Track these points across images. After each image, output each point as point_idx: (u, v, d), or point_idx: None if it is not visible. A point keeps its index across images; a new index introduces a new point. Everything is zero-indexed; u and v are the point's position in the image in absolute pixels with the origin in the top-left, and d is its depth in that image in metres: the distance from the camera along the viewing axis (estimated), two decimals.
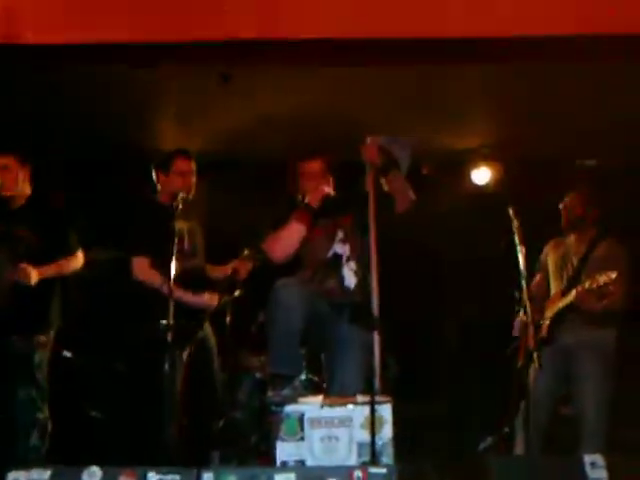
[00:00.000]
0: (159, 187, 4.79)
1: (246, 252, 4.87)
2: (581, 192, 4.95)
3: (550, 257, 4.97)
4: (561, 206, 4.97)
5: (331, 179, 4.36)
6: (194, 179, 4.76)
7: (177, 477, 3.17)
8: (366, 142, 4.10)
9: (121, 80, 5.30)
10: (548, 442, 4.51)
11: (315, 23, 4.27)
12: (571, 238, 4.92)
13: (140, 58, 4.70)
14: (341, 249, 4.21)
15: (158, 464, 3.31)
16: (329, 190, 4.25)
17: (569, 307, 4.61)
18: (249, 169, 6.64)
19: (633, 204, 6.05)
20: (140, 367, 4.64)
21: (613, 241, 4.80)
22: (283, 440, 3.44)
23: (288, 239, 4.12)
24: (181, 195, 4.56)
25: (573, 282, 4.70)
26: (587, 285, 4.50)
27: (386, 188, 4.10)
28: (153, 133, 6.36)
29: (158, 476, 3.17)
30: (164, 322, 5.15)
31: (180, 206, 4.45)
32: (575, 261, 4.81)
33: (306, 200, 4.17)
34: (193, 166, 4.79)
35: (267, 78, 5.29)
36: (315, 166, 4.32)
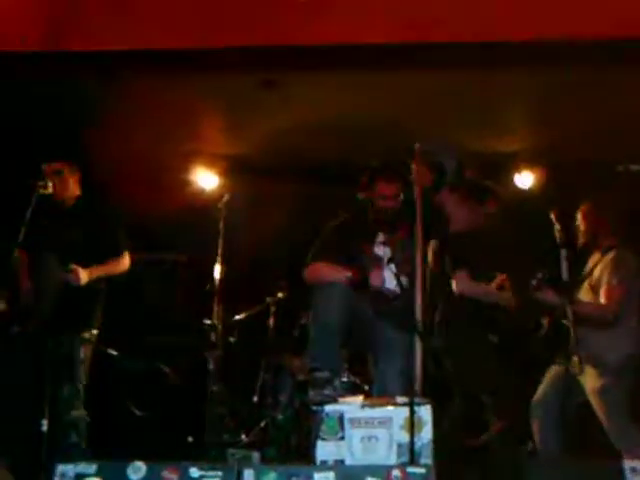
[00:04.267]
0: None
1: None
2: (589, 205, 4.72)
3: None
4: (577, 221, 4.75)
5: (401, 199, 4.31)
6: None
7: (219, 474, 3.21)
8: (414, 148, 4.12)
9: (166, 86, 5.38)
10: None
11: (359, 28, 4.31)
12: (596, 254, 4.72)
13: (182, 64, 4.79)
14: (381, 251, 4.25)
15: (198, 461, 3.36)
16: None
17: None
18: (294, 174, 6.71)
19: None
20: (183, 366, 4.69)
21: (623, 249, 4.58)
22: (323, 439, 3.47)
23: (324, 278, 4.14)
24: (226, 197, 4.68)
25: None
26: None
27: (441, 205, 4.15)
28: (199, 138, 6.45)
29: (200, 472, 3.22)
30: (208, 322, 5.28)
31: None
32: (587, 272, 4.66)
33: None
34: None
35: (311, 84, 5.33)
36: (394, 190, 4.28)
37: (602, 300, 4.46)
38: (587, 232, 4.68)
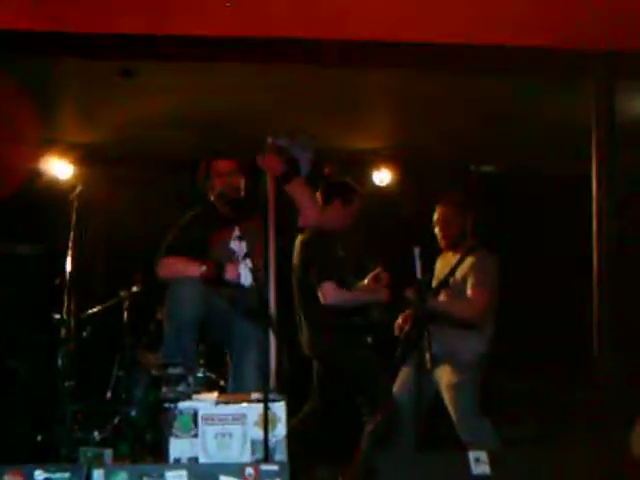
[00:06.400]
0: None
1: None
2: (451, 204, 4.80)
3: (437, 270, 4.93)
4: (434, 219, 4.82)
5: (242, 179, 4.28)
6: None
7: (66, 475, 3.09)
8: (266, 142, 4.13)
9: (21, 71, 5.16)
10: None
11: (214, 19, 4.28)
12: (450, 252, 4.85)
13: (40, 48, 4.61)
14: (237, 246, 4.23)
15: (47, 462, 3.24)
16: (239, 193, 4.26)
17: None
18: (150, 165, 6.61)
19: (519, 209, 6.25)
20: (31, 363, 4.52)
21: (485, 251, 4.72)
22: (176, 437, 3.42)
23: (178, 272, 4.06)
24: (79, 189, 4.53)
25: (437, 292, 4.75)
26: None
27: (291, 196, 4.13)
28: (55, 126, 6.24)
29: (46, 475, 3.07)
30: (57, 316, 5.11)
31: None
32: (446, 272, 4.77)
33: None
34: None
35: (169, 73, 5.25)
36: (228, 165, 4.27)
37: (470, 301, 4.60)
38: (450, 232, 4.78)
